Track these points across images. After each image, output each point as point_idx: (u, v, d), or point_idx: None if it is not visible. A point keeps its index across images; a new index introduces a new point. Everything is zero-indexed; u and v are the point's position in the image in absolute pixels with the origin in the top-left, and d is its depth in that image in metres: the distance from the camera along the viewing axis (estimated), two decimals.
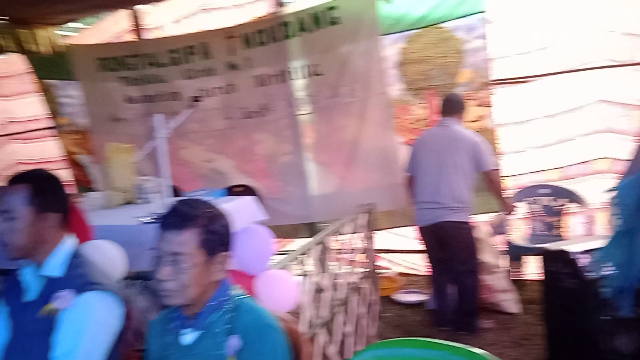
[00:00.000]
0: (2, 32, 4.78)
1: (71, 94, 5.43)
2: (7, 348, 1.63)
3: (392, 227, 4.53)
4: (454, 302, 3.64)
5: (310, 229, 4.58)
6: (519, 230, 4.52)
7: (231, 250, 1.43)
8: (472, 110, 4.01)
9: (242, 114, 4.69)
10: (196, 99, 3.28)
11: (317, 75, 4.34)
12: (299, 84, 4.44)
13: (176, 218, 1.34)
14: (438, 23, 4.01)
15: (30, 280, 1.63)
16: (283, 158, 4.74)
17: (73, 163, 5.68)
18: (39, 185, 1.61)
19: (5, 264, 2.21)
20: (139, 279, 2.28)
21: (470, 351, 1.29)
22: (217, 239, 1.38)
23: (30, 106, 6.08)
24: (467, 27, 3.93)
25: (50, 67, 5.25)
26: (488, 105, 4.03)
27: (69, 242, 1.67)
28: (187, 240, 1.33)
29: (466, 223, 3.59)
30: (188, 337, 1.39)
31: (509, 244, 4.30)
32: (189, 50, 4.60)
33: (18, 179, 1.63)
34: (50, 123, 5.78)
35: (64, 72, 5.17)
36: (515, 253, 4.29)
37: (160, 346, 1.42)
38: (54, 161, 6.29)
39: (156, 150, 3.29)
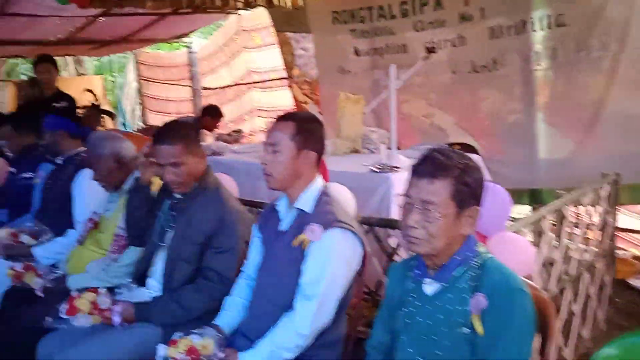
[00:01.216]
0: None
1: (305, 46, 5.82)
2: (260, 270, 1.84)
3: (636, 204, 3.95)
4: None
5: (532, 196, 4.25)
6: None
7: (481, 206, 1.36)
8: None
9: (469, 68, 4.47)
10: (431, 50, 3.19)
11: (561, 26, 3.87)
12: (537, 36, 4.04)
13: (430, 166, 1.31)
14: None
15: (284, 212, 1.79)
16: (510, 117, 4.41)
17: (301, 110, 6.13)
18: (302, 124, 1.73)
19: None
20: (364, 224, 2.36)
21: None
22: (470, 191, 1.31)
23: (270, 58, 6.69)
24: None
25: (289, 20, 5.66)
26: None
27: (319, 181, 1.78)
28: (439, 190, 1.29)
29: None
30: (429, 287, 1.38)
31: None
32: (421, 2, 4.50)
33: (285, 117, 1.78)
34: (285, 74, 6.30)
35: (300, 25, 5.53)
36: None
37: (400, 291, 1.44)
38: (285, 109, 6.90)
39: (385, 102, 3.33)
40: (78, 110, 3.11)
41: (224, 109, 7.72)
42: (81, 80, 8.69)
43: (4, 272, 2.60)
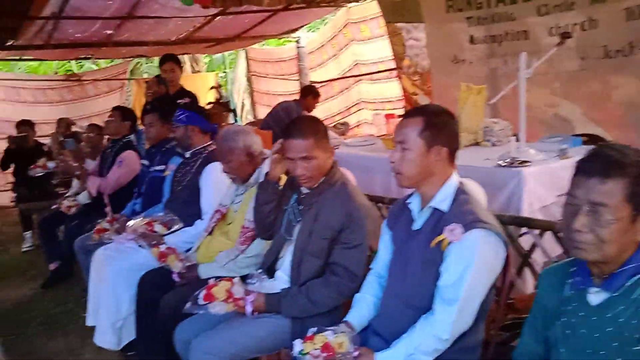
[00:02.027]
0: None
1: (416, 36, 5.67)
2: (392, 268, 1.79)
3: None
4: None
5: None
6: None
7: None
8: None
9: (601, 54, 4.09)
10: (565, 36, 2.96)
11: None
12: None
13: (601, 164, 1.18)
14: None
15: (417, 210, 1.73)
16: None
17: (410, 103, 6.00)
18: (431, 119, 1.65)
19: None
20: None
21: None
22: None
23: (378, 49, 6.61)
24: None
25: (400, 10, 5.55)
26: None
27: (454, 178, 1.69)
28: (612, 191, 1.16)
29: None
30: (595, 297, 1.25)
31: None
32: None
33: (413, 113, 1.72)
34: (394, 65, 6.19)
35: (411, 15, 5.40)
36: None
37: (557, 300, 1.33)
38: (392, 101, 6.80)
39: (513, 91, 3.14)
40: (204, 107, 3.24)
41: (331, 102, 7.80)
42: (197, 77, 9.17)
43: (141, 259, 2.80)
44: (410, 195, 1.78)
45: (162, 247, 2.55)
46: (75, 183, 4.85)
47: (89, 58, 7.38)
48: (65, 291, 4.20)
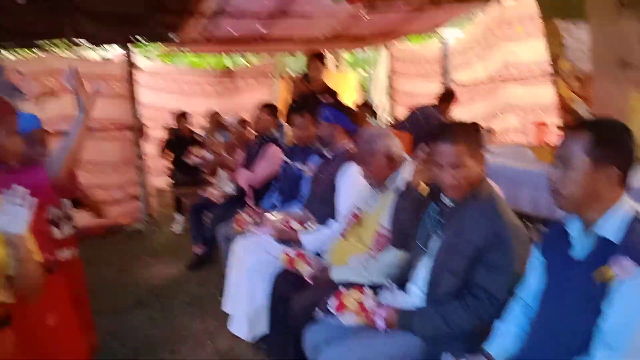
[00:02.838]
0: None
1: (577, 36, 5.14)
2: (543, 299, 1.61)
3: None
4: None
5: None
6: None
7: None
8: None
9: None
10: None
11: None
12: None
13: None
14: None
15: (578, 236, 1.53)
16: None
17: (566, 110, 5.47)
18: (601, 134, 1.44)
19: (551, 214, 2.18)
20: None
21: None
22: None
23: (532, 50, 6.14)
24: None
25: (561, 8, 5.07)
26: None
27: (627, 203, 1.46)
28: None
29: None
30: None
31: None
32: None
33: (580, 126, 1.51)
34: (549, 67, 5.69)
35: (574, 13, 4.90)
36: None
37: None
38: (544, 107, 6.28)
39: None
40: (348, 106, 3.23)
41: (475, 106, 7.42)
42: (339, 75, 9.30)
43: (277, 254, 2.86)
44: (567, 217, 1.58)
45: (291, 253, 2.58)
46: (221, 173, 5.17)
47: (241, 53, 7.82)
48: (208, 274, 4.50)
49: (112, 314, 3.72)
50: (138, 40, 6.00)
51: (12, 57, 5.50)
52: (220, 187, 4.78)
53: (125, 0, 4.72)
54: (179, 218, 6.13)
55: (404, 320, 1.88)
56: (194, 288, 4.20)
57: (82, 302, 2.46)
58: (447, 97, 5.74)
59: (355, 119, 3.10)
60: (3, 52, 5.43)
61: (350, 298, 1.88)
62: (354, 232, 2.60)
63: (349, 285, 2.24)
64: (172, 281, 4.41)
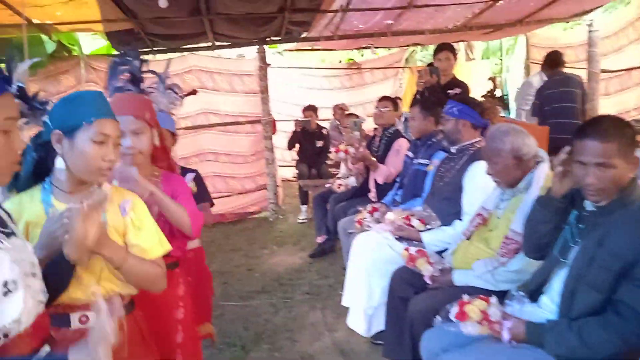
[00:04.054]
0: None
1: None
2: None
3: None
4: None
5: None
6: None
7: None
8: None
9: None
10: None
11: None
12: None
13: None
14: None
15: None
16: None
17: None
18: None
19: None
20: None
21: None
22: None
23: None
24: None
25: None
26: None
27: None
28: None
29: None
30: None
31: None
32: None
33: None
34: None
35: None
36: None
37: None
38: None
39: None
40: (478, 100, 3.03)
41: (626, 95, 6.65)
42: (471, 66, 8.89)
43: (396, 252, 2.79)
44: None
45: (412, 250, 2.49)
46: (343, 166, 5.18)
47: (368, 48, 7.80)
48: (328, 265, 4.56)
49: (238, 299, 3.92)
50: (271, 41, 6.26)
51: (159, 59, 5.99)
52: (344, 179, 4.81)
53: (259, 1, 4.90)
54: (303, 208, 6.29)
55: (533, 334, 1.72)
56: (315, 278, 4.28)
57: (203, 290, 2.58)
58: None
59: (484, 113, 2.90)
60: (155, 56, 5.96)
61: (474, 307, 1.76)
62: (479, 235, 2.44)
63: (472, 289, 2.11)
64: (294, 270, 4.53)
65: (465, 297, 1.81)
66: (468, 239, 2.48)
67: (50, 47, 5.75)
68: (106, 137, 1.43)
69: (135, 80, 1.98)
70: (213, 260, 4.71)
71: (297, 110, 7.51)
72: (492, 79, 7.73)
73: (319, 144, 6.53)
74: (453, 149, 2.98)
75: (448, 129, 2.92)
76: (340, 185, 4.56)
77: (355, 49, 8.86)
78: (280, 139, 7.24)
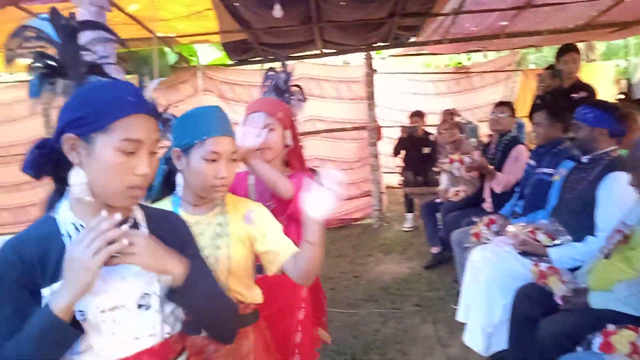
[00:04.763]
0: None
1: None
2: None
3: None
4: None
5: None
6: None
7: None
8: None
9: None
10: None
11: None
12: None
13: None
14: None
15: None
16: None
17: None
18: None
19: None
20: None
21: None
22: None
23: None
24: None
25: None
26: None
27: None
28: None
29: None
30: None
31: None
32: None
33: None
34: None
35: None
36: None
37: None
38: None
39: None
40: (614, 105, 2.75)
41: None
42: (592, 67, 8.23)
43: (519, 268, 2.62)
44: None
45: (543, 266, 2.31)
46: (445, 176, 4.99)
47: (479, 51, 7.50)
48: (438, 276, 4.41)
49: (346, 306, 3.90)
50: (379, 47, 6.22)
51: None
52: (454, 188, 4.63)
53: (370, 7, 4.88)
54: (409, 216, 6.16)
55: None
56: (424, 290, 4.15)
57: (317, 294, 2.56)
58: None
59: (622, 119, 2.63)
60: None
61: (621, 338, 1.58)
62: (620, 253, 2.21)
63: (611, 314, 1.92)
64: (402, 280, 4.43)
65: (611, 327, 1.64)
66: (606, 257, 2.26)
67: (172, 58, 6.15)
68: (218, 155, 1.45)
69: (279, 90, 2.10)
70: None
71: (401, 116, 7.39)
72: (618, 80, 7.09)
73: (426, 150, 6.36)
74: (585, 159, 2.74)
75: (581, 137, 2.67)
76: (457, 192, 4.40)
77: (465, 52, 8.57)
78: (385, 146, 7.15)
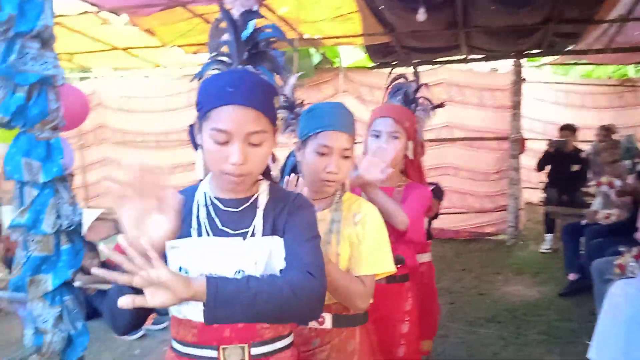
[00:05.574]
0: None
1: None
2: None
3: None
4: None
5: None
6: None
7: None
8: None
9: None
10: None
11: None
12: None
13: None
14: None
15: None
16: None
17: None
18: None
19: None
20: None
21: None
22: None
23: None
24: None
25: None
26: None
27: None
28: None
29: None
30: None
31: None
32: None
33: None
34: None
35: None
36: None
37: None
38: None
39: None
40: None
41: None
42: None
43: None
44: None
45: None
46: (598, 199, 4.52)
47: None
48: (572, 306, 4.03)
49: (465, 323, 3.72)
50: (530, 54, 5.85)
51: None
52: (605, 211, 4.18)
53: (522, 12, 4.60)
54: (548, 237, 5.70)
55: None
56: (555, 318, 3.81)
57: (430, 306, 2.47)
58: None
59: None
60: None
61: None
62: None
63: None
64: (530, 304, 4.12)
65: None
66: None
67: (317, 59, 6.37)
68: (329, 149, 1.45)
69: (407, 99, 2.07)
70: (441, 277, 4.59)
71: (551, 129, 6.86)
72: None
73: (575, 167, 5.82)
74: None
75: None
76: (608, 215, 3.98)
77: (632, 63, 7.71)
78: (528, 159, 6.69)
